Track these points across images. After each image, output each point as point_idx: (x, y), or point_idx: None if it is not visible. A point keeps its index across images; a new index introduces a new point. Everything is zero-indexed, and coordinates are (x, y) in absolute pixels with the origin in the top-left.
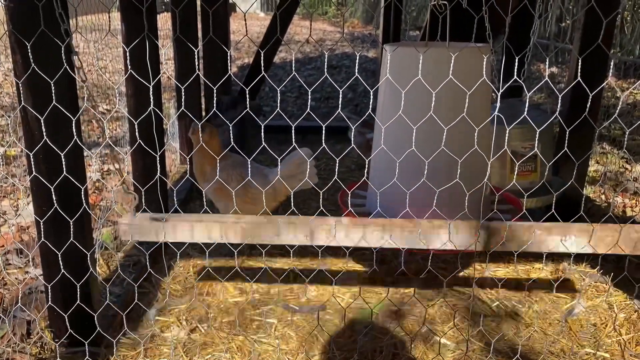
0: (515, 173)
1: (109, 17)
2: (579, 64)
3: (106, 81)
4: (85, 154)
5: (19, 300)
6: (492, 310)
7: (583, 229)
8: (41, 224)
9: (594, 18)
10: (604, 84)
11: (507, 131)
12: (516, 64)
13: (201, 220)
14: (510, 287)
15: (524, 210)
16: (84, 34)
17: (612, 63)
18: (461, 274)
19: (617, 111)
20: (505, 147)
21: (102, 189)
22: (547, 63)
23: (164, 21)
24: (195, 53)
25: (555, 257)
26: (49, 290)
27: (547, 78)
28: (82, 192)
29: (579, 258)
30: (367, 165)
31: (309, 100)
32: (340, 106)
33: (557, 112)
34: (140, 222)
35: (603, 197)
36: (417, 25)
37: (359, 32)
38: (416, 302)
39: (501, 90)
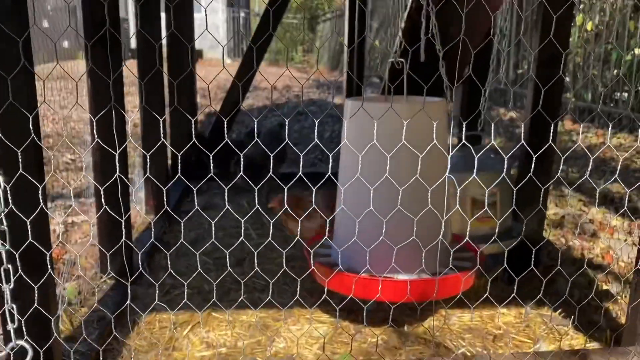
0: (475, 220)
1: (76, 69)
2: (529, 117)
3: (70, 131)
4: (48, 205)
5: None
6: (458, 357)
7: None
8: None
9: (544, 71)
10: (554, 132)
11: (464, 182)
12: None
13: None
14: (475, 333)
15: (478, 265)
16: (49, 81)
17: (565, 110)
18: (426, 320)
19: (565, 155)
20: (458, 196)
21: (66, 241)
22: (498, 111)
23: (131, 68)
24: (160, 120)
25: (519, 302)
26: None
27: (492, 142)
28: (48, 259)
29: (540, 302)
30: (327, 223)
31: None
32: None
33: (509, 161)
34: None
35: (563, 239)
36: (379, 74)
37: (323, 80)
38: (383, 352)
39: (460, 142)
